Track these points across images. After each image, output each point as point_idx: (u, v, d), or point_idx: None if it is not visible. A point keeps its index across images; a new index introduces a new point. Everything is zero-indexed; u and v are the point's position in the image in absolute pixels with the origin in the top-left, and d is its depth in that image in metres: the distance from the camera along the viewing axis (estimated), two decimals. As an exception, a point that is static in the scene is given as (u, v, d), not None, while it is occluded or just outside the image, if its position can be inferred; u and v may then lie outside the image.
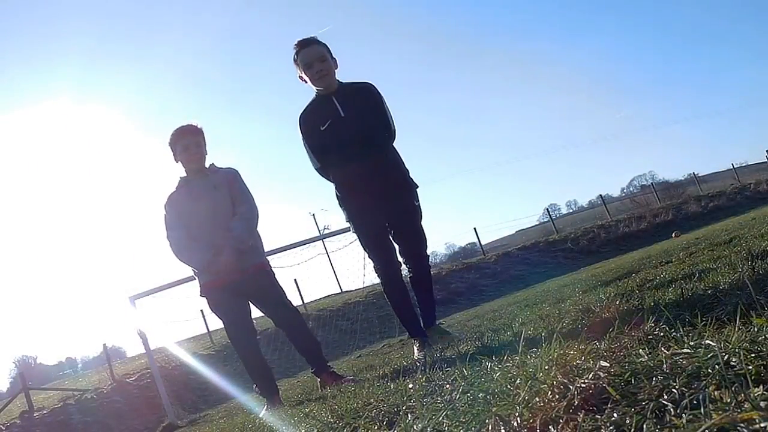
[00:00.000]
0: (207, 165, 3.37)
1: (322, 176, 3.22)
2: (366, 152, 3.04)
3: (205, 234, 3.23)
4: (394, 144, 3.23)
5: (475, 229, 21.84)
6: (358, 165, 3.05)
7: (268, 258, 3.64)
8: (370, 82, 3.23)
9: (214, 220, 3.24)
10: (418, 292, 3.25)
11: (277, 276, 3.46)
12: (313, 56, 3.05)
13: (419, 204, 3.22)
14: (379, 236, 3.14)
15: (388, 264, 3.16)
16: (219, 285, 3.20)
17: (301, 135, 3.17)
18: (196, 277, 3.33)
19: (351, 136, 3.04)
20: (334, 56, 3.14)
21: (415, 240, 3.20)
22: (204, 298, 3.32)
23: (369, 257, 3.21)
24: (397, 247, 3.20)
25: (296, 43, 3.09)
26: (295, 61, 3.11)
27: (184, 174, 3.37)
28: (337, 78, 3.15)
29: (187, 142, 3.29)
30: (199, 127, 3.37)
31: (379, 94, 3.20)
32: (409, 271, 3.25)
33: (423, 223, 3.26)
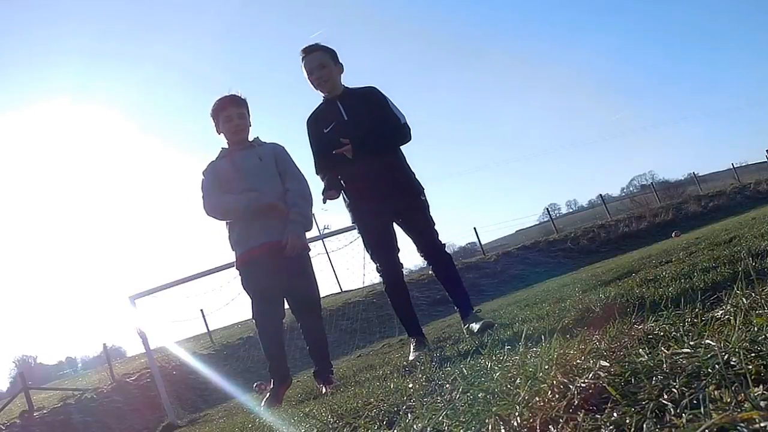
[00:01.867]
0: (251, 138, 3.27)
1: (322, 180, 3.20)
2: (368, 152, 3.06)
3: None
4: (408, 138, 3.20)
5: (475, 228, 21.84)
6: (360, 162, 3.07)
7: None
8: (373, 86, 3.27)
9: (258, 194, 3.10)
10: (444, 284, 3.22)
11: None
12: (313, 64, 3.13)
13: (425, 199, 3.23)
14: (382, 237, 3.17)
15: (390, 265, 3.19)
16: (256, 258, 3.08)
17: (308, 138, 3.22)
18: (234, 249, 3.20)
19: (353, 138, 3.07)
20: (339, 62, 3.20)
21: (426, 231, 3.20)
22: (238, 272, 3.21)
23: (371, 258, 3.23)
24: (412, 241, 3.22)
25: (301, 50, 3.17)
26: (303, 66, 3.19)
27: (226, 146, 3.27)
28: (342, 83, 3.21)
29: (230, 113, 3.20)
30: (243, 97, 3.28)
31: (382, 95, 3.22)
32: (429, 264, 3.25)
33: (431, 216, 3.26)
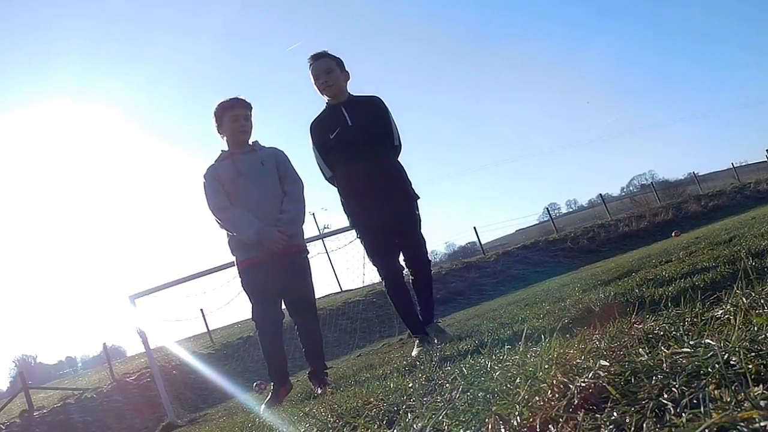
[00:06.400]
0: (251, 142, 3.31)
1: (333, 185, 3.30)
2: (369, 155, 3.13)
3: (250, 211, 3.12)
4: (399, 158, 3.33)
5: (474, 228, 21.81)
6: (361, 166, 3.14)
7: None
8: (377, 95, 3.35)
9: (260, 197, 3.15)
10: (418, 293, 3.35)
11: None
12: (320, 69, 3.20)
13: (419, 213, 3.31)
14: (382, 240, 3.22)
15: (390, 267, 3.25)
16: (257, 263, 3.13)
17: (311, 142, 3.28)
18: (234, 254, 3.24)
19: (356, 141, 3.13)
20: (345, 69, 3.27)
21: (415, 246, 3.29)
22: (239, 274, 3.24)
23: (372, 261, 3.27)
24: (402, 252, 3.29)
25: (309, 56, 3.24)
26: (310, 72, 3.26)
27: (226, 148, 3.28)
28: (348, 90, 3.28)
29: (237, 113, 3.22)
30: (248, 101, 3.31)
31: (386, 107, 3.32)
32: (411, 274, 3.35)
33: (423, 226, 3.35)
